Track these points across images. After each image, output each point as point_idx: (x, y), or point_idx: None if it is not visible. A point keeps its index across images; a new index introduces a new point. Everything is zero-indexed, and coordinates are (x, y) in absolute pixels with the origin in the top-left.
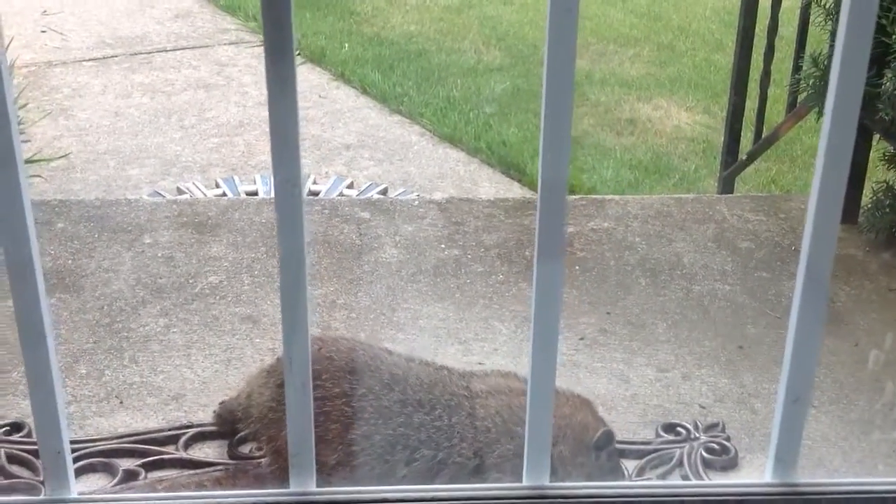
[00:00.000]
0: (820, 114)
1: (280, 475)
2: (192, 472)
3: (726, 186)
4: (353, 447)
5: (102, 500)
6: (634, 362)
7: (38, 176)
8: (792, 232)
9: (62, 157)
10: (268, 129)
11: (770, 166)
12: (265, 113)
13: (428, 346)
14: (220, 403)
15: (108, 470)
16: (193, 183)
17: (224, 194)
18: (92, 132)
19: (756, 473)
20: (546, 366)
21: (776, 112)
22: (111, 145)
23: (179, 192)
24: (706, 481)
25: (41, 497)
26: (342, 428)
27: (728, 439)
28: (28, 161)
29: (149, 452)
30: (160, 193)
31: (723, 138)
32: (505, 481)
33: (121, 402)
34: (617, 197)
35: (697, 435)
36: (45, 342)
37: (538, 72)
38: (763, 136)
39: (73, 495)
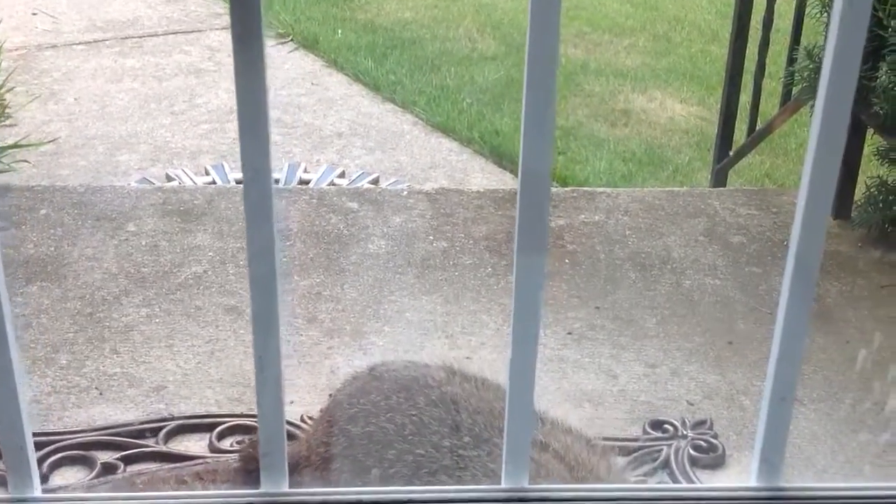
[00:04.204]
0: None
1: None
2: (171, 465)
3: (719, 179)
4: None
5: (69, 499)
6: (622, 358)
7: (26, 161)
8: (784, 227)
9: (51, 141)
10: None
11: (764, 160)
12: None
13: (414, 340)
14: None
15: (86, 463)
16: (182, 169)
17: (213, 181)
18: (81, 117)
19: (744, 472)
20: (526, 365)
21: (770, 105)
22: (100, 130)
23: (168, 178)
24: (689, 485)
25: (3, 496)
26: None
27: (716, 437)
28: (16, 146)
29: (128, 445)
30: (149, 180)
31: (716, 130)
32: None
33: (100, 394)
34: (608, 189)
35: (685, 432)
36: (6, 336)
37: None
38: (757, 129)
39: (37, 494)
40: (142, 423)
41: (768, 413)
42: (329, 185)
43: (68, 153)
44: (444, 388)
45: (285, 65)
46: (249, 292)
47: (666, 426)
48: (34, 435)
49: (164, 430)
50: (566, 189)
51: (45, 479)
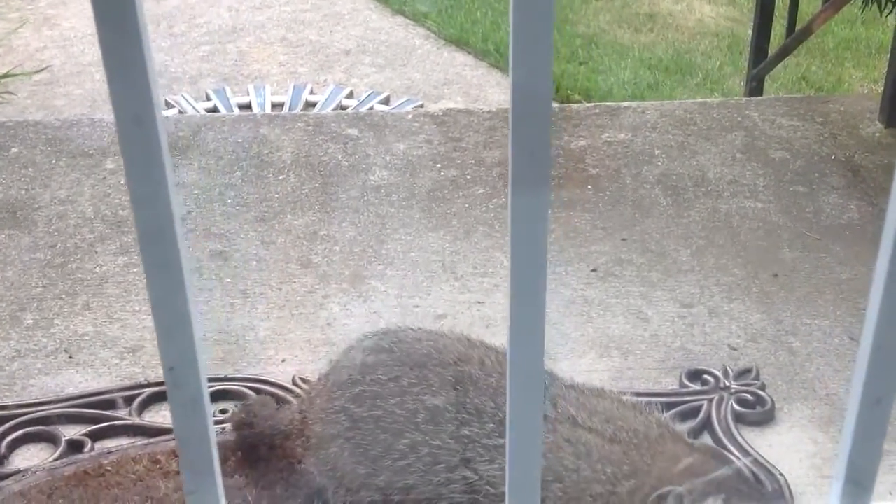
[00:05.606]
0: (866, 3)
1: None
2: (145, 441)
3: (755, 86)
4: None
5: None
6: (654, 297)
7: (10, 93)
8: (832, 138)
9: (44, 69)
10: (262, 36)
11: (799, 62)
12: (260, 17)
13: (420, 284)
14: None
15: (51, 440)
16: (182, 95)
17: (215, 107)
18: (77, 42)
19: (795, 427)
20: (532, 351)
21: (806, 1)
22: (96, 56)
23: (168, 105)
24: None
25: None
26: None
27: (763, 388)
28: (7, 75)
29: (98, 418)
30: None
31: (751, 33)
32: None
33: (70, 357)
34: (634, 103)
35: (727, 383)
36: None
37: None
38: (796, 29)
39: None
40: (114, 390)
41: (857, 418)
42: (337, 106)
43: (63, 82)
44: (462, 367)
45: None
46: (148, 292)
47: (706, 377)
48: None
49: (138, 399)
50: (587, 105)
51: (2, 460)
